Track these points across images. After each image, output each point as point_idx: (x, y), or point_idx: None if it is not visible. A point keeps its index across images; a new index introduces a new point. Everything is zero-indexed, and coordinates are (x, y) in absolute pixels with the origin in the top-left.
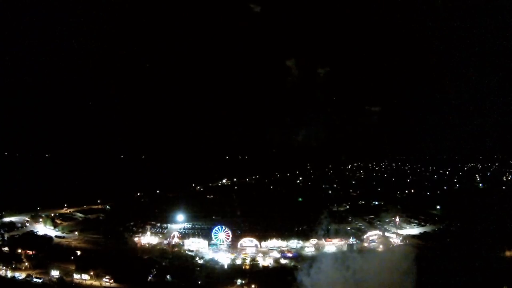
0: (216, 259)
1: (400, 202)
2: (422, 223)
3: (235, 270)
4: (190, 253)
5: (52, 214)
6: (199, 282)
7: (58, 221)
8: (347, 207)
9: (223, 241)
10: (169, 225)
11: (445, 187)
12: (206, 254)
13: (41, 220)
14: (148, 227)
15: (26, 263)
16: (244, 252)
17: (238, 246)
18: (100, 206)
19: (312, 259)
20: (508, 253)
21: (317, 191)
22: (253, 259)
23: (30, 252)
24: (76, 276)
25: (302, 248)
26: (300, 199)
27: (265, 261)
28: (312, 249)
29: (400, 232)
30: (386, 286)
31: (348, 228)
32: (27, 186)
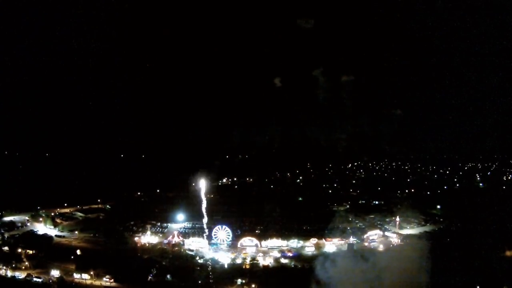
0: (216, 258)
1: (400, 202)
2: (423, 222)
3: (235, 270)
4: (190, 252)
5: (52, 214)
6: (199, 282)
7: (58, 221)
8: (347, 206)
9: (223, 241)
10: (169, 224)
11: (445, 187)
12: (206, 253)
13: (41, 219)
14: (148, 226)
15: (26, 263)
16: (244, 252)
17: (238, 245)
18: (100, 206)
19: (316, 259)
20: (508, 253)
21: (317, 190)
22: (253, 259)
23: (30, 252)
24: (76, 276)
25: (303, 247)
26: (300, 199)
27: (265, 261)
28: (313, 248)
29: (400, 232)
30: (387, 286)
31: (348, 227)
32: (27, 185)
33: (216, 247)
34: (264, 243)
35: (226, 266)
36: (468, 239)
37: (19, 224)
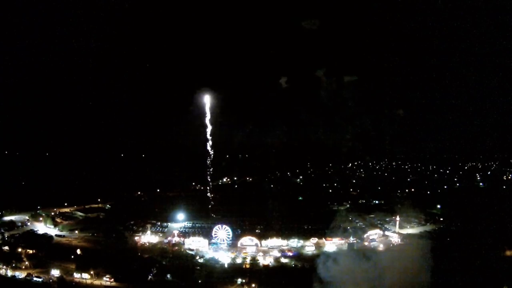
0: (216, 258)
1: (400, 201)
2: (423, 222)
3: (236, 269)
4: (190, 252)
5: (52, 213)
6: (199, 281)
7: (58, 220)
8: (348, 206)
9: (223, 240)
10: (169, 224)
11: (445, 186)
12: (206, 253)
13: (41, 219)
14: (148, 226)
15: (26, 262)
16: (244, 251)
17: (238, 245)
18: (100, 205)
19: (316, 258)
20: (508, 253)
21: (317, 190)
22: (254, 258)
23: (30, 251)
24: (76, 275)
25: (303, 247)
26: (300, 198)
27: (266, 260)
28: (313, 248)
29: (400, 231)
30: (387, 285)
31: (349, 227)
32: (27, 185)
33: (216, 246)
34: (264, 242)
35: (226, 265)
36: (468, 239)
37: (19, 224)
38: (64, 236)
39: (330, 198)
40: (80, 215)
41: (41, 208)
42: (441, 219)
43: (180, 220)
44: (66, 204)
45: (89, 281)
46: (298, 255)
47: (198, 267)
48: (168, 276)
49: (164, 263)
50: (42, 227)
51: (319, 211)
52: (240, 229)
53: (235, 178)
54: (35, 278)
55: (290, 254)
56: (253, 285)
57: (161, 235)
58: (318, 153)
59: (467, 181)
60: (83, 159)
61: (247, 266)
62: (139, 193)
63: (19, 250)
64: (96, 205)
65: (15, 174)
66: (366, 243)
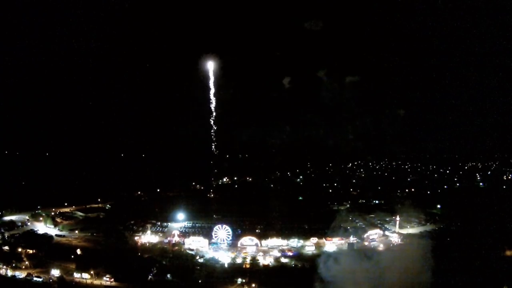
0: (216, 258)
1: (400, 201)
2: (423, 222)
3: (236, 269)
4: (190, 252)
5: (53, 213)
6: (200, 281)
7: (58, 220)
8: (348, 206)
9: (223, 240)
10: (169, 224)
11: (445, 186)
12: (206, 253)
13: (41, 219)
14: (149, 226)
15: (26, 262)
16: (244, 251)
17: (239, 245)
18: (100, 205)
19: (316, 258)
20: (508, 253)
21: (318, 190)
22: (254, 258)
23: (30, 251)
24: (76, 275)
25: (303, 247)
26: (300, 198)
27: (266, 260)
28: (313, 248)
29: (400, 231)
30: (386, 285)
31: (349, 227)
32: (27, 184)
33: (216, 246)
34: (264, 242)
35: (226, 265)
36: (468, 239)
37: (19, 224)
38: (64, 236)
39: (330, 198)
40: (80, 215)
41: (41, 208)
42: (441, 219)
43: (180, 220)
44: (66, 204)
45: (89, 281)
46: (298, 255)
47: (198, 267)
48: (168, 276)
49: (164, 263)
50: (42, 227)
51: (319, 211)
52: (240, 229)
53: (235, 178)
54: (35, 278)
55: (290, 254)
56: (253, 285)
57: (161, 235)
58: (319, 153)
59: (467, 181)
60: (83, 159)
61: (247, 266)
62: (139, 193)
63: (19, 250)
64: (96, 205)
65: (15, 174)
66: (366, 243)
